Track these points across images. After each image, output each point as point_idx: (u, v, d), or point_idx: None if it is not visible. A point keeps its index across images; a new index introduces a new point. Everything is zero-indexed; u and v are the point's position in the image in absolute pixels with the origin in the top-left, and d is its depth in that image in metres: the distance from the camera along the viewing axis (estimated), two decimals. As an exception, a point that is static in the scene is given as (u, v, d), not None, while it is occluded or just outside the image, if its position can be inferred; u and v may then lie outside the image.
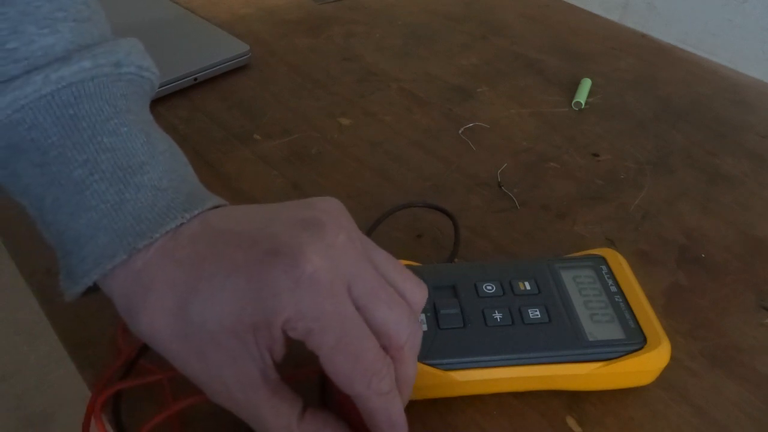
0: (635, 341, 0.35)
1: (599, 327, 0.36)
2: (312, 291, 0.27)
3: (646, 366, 0.35)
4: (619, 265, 0.40)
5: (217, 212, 0.30)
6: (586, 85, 0.62)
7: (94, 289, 0.30)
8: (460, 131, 0.57)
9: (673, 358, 0.36)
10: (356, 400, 0.29)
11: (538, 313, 0.36)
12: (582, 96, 0.61)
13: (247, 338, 0.27)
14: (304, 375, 0.35)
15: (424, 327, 0.35)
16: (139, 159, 0.30)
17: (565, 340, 0.35)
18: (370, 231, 0.45)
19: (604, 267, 0.40)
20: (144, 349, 0.36)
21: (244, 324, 0.27)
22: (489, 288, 0.38)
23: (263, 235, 0.28)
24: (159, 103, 0.58)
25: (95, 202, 0.28)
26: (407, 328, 0.29)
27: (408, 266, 0.39)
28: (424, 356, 0.34)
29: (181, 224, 0.29)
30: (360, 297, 0.28)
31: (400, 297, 0.30)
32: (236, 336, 0.27)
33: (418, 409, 0.35)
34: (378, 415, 0.29)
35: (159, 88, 0.57)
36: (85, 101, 0.29)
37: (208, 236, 0.29)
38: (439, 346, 0.35)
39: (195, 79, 0.60)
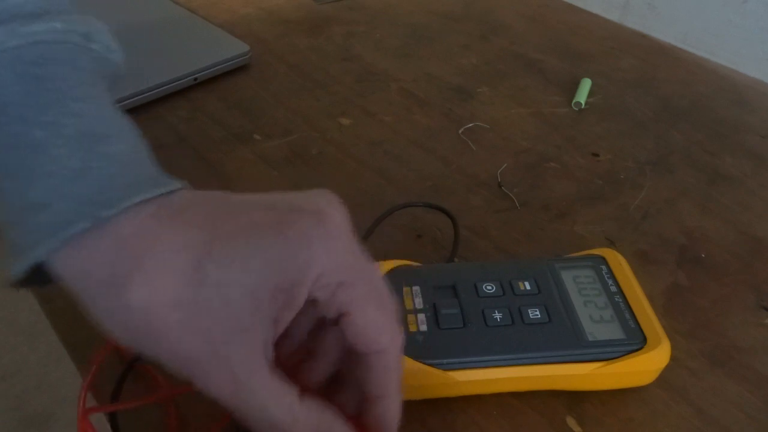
0: (635, 341, 0.35)
1: (599, 327, 0.36)
2: (342, 241, 0.27)
3: (646, 366, 0.35)
4: (619, 265, 0.40)
5: (203, 191, 0.28)
6: (586, 85, 0.62)
7: (43, 279, 0.26)
8: (460, 131, 0.57)
9: (673, 358, 0.36)
10: (377, 357, 0.28)
11: (538, 313, 0.36)
12: (582, 96, 0.61)
13: (263, 303, 0.26)
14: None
15: (424, 327, 0.35)
16: (106, 129, 0.28)
17: (565, 340, 0.35)
18: (370, 231, 0.45)
19: (604, 267, 0.40)
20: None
21: (268, 284, 0.26)
22: (489, 288, 0.38)
23: (276, 200, 0.27)
24: (159, 103, 0.58)
25: (55, 167, 0.26)
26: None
27: (408, 266, 0.39)
28: (424, 356, 0.34)
29: (171, 192, 0.27)
30: None
31: None
32: (254, 299, 0.25)
33: (418, 409, 0.35)
34: (392, 377, 0.29)
35: (159, 88, 0.57)
36: (52, 64, 0.27)
37: (213, 202, 0.27)
38: (439, 346, 0.35)
39: (195, 79, 0.60)
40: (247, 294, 0.25)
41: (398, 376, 0.29)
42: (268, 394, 0.26)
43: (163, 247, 0.25)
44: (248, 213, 0.27)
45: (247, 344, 0.26)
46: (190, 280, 0.25)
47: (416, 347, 0.34)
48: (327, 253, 0.26)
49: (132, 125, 0.30)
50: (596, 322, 0.36)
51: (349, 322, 0.27)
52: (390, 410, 0.29)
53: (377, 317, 0.28)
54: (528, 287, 0.38)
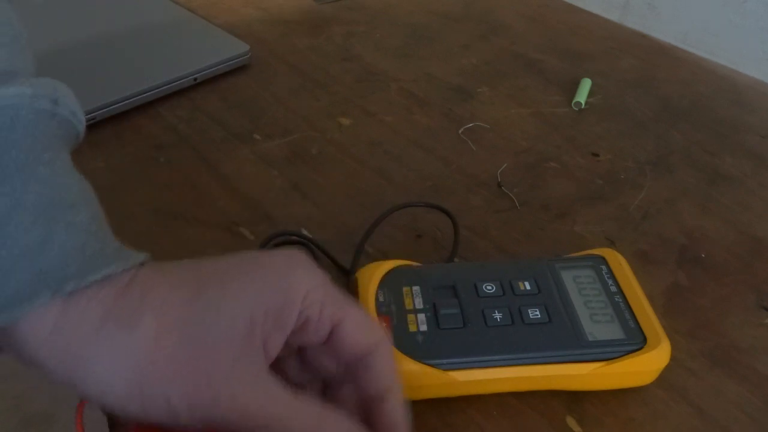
0: (635, 341, 0.35)
1: (599, 327, 0.36)
2: (314, 267, 0.30)
3: (646, 366, 0.35)
4: (619, 265, 0.40)
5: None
6: (586, 85, 0.62)
7: None
8: (460, 131, 0.57)
9: (673, 358, 0.36)
10: (377, 352, 0.30)
11: (538, 313, 0.36)
12: (582, 96, 0.61)
13: (257, 325, 0.27)
14: None
15: (424, 327, 0.35)
16: (72, 197, 0.27)
17: (565, 340, 0.35)
18: (370, 231, 0.45)
19: (604, 267, 0.40)
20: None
21: (262, 306, 0.27)
22: (489, 288, 0.38)
23: (243, 254, 0.29)
24: (159, 103, 0.58)
25: (15, 237, 0.25)
26: None
27: (408, 266, 0.39)
28: (424, 356, 0.34)
29: (142, 263, 0.27)
30: None
31: None
32: (250, 320, 0.27)
33: (418, 409, 0.35)
34: (393, 368, 0.30)
35: (159, 88, 0.57)
36: (19, 128, 0.27)
37: (187, 261, 0.28)
38: (439, 346, 0.35)
39: (195, 79, 0.60)
40: (246, 314, 0.27)
41: (395, 369, 0.31)
42: (286, 409, 0.27)
43: (163, 286, 0.27)
44: (227, 261, 0.29)
45: (254, 363, 0.27)
46: (193, 306, 0.27)
47: (416, 347, 0.34)
48: (310, 275, 0.29)
49: (93, 193, 0.29)
50: (596, 322, 0.36)
51: (344, 328, 0.29)
52: (399, 403, 0.30)
53: (364, 318, 0.30)
54: (528, 287, 0.38)
